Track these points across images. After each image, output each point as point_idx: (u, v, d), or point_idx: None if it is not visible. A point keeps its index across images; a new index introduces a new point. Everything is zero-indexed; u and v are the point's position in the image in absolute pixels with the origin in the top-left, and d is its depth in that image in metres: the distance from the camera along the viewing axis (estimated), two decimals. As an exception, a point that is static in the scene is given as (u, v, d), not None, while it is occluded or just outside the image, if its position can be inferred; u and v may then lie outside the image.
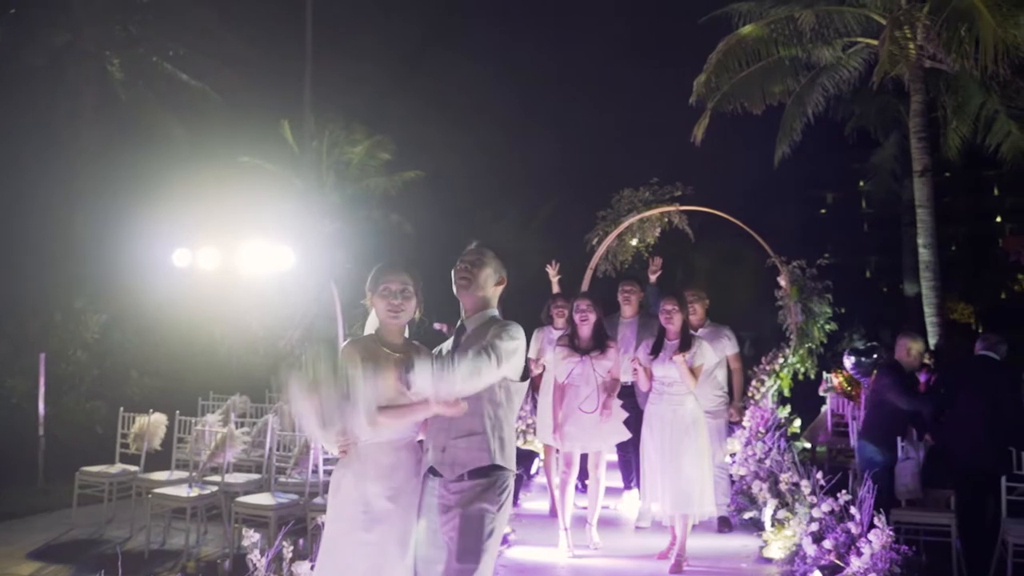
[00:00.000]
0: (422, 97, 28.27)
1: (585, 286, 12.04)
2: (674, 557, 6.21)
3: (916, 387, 7.79)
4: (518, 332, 3.53)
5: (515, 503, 7.88)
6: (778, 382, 11.50)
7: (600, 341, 6.67)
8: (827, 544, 5.42)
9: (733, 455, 8.80)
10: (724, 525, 7.45)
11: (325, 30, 21.37)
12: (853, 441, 8.60)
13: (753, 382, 11.76)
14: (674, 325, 6.35)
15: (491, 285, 3.74)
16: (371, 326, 3.78)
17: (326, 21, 21.70)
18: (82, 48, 16.18)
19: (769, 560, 6.22)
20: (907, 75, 12.88)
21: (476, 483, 3.45)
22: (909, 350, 7.52)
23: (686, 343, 6.28)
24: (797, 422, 11.72)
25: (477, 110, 29.11)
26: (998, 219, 46.35)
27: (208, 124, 17.97)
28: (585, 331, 6.69)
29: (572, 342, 6.74)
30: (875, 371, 8.11)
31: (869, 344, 11.51)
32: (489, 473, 3.46)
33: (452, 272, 3.78)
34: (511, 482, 3.54)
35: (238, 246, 12.57)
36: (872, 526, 5.09)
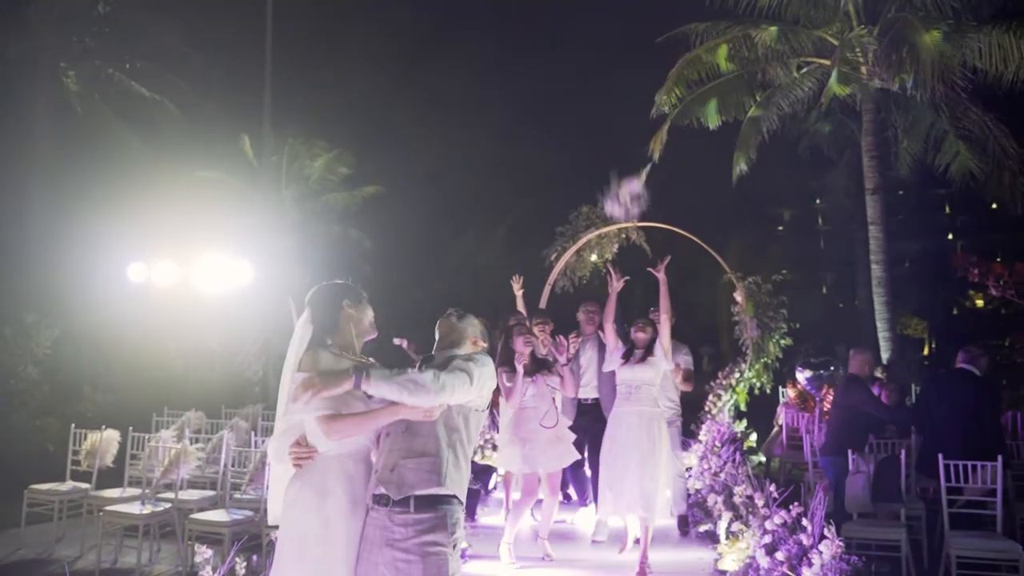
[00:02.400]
0: (382, 112, 28.24)
1: (543, 301, 12.09)
2: (638, 566, 6.31)
3: None
4: (488, 363, 3.60)
5: (472, 518, 7.88)
6: (734, 396, 11.64)
7: (542, 361, 7.02)
8: (779, 556, 5.47)
9: (689, 468, 8.90)
10: (684, 524, 7.68)
11: (285, 45, 21.28)
12: (807, 455, 8.69)
13: (710, 397, 11.90)
14: (645, 335, 6.87)
15: (469, 334, 3.85)
16: (301, 341, 3.65)
17: (286, 36, 21.62)
18: (37, 59, 15.93)
19: (724, 572, 6.25)
20: (859, 95, 13.17)
21: (424, 518, 3.31)
22: (866, 363, 7.77)
23: (649, 352, 6.80)
24: (753, 436, 11.87)
25: (437, 126, 29.12)
26: (950, 237, 47.38)
27: (166, 138, 17.77)
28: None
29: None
30: (839, 385, 8.23)
31: (823, 358, 11.66)
32: (437, 506, 3.34)
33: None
34: (460, 515, 3.43)
35: (195, 261, 12.48)
36: (823, 537, 5.16)
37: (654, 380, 6.78)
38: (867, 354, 8.07)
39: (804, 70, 13.81)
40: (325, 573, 3.39)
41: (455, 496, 3.40)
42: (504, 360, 6.89)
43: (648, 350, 6.81)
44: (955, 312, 39.75)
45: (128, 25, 16.78)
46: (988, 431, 7.14)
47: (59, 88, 16.35)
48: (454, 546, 3.35)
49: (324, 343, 3.62)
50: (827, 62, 13.09)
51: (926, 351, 36.20)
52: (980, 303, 37.34)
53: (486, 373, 3.54)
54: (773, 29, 13.00)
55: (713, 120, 13.96)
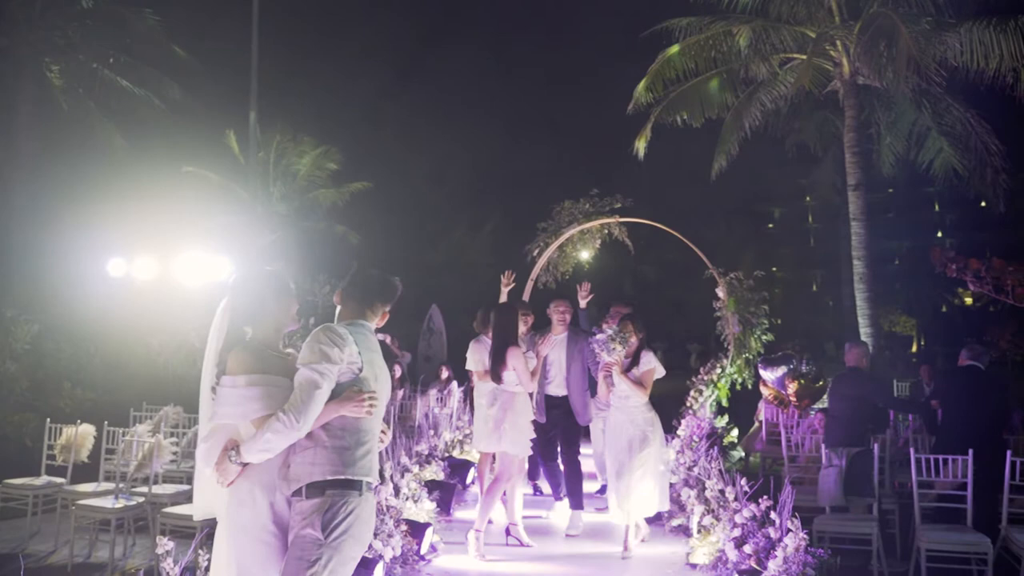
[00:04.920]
0: (371, 110, 28.24)
1: (526, 297, 12.08)
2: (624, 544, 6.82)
3: None
4: (329, 329, 3.38)
5: (447, 512, 7.87)
6: (716, 392, 11.65)
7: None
8: (747, 549, 5.50)
9: (666, 463, 8.90)
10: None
11: (273, 41, 21.26)
12: (785, 450, 8.69)
13: (691, 392, 11.91)
14: (632, 348, 6.96)
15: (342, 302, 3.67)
16: (219, 330, 3.56)
17: (274, 32, 21.62)
18: (20, 53, 15.84)
19: (695, 566, 6.28)
20: (841, 91, 13.19)
21: (308, 505, 3.24)
22: (863, 355, 7.97)
23: (636, 360, 6.93)
24: (735, 432, 11.88)
25: (427, 123, 29.15)
26: (939, 234, 47.49)
27: (151, 133, 17.72)
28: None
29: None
30: (840, 378, 8.26)
31: (782, 352, 11.65)
32: (323, 491, 3.23)
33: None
34: (351, 500, 3.26)
35: (177, 256, 12.44)
36: (790, 530, 5.18)
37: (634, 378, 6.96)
38: (863, 347, 8.27)
39: (786, 66, 13.81)
40: (277, 563, 3.37)
41: (347, 480, 3.27)
42: (511, 339, 6.87)
43: (635, 360, 6.93)
44: (944, 309, 39.84)
45: (111, 19, 16.69)
46: (996, 421, 7.33)
47: (43, 82, 16.27)
48: (330, 533, 3.19)
49: (243, 335, 3.54)
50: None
51: (914, 348, 36.28)
52: (969, 300, 37.39)
53: (337, 344, 3.32)
54: (755, 24, 13.00)
55: (697, 119, 13.97)
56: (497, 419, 6.87)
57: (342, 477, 3.26)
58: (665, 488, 7.27)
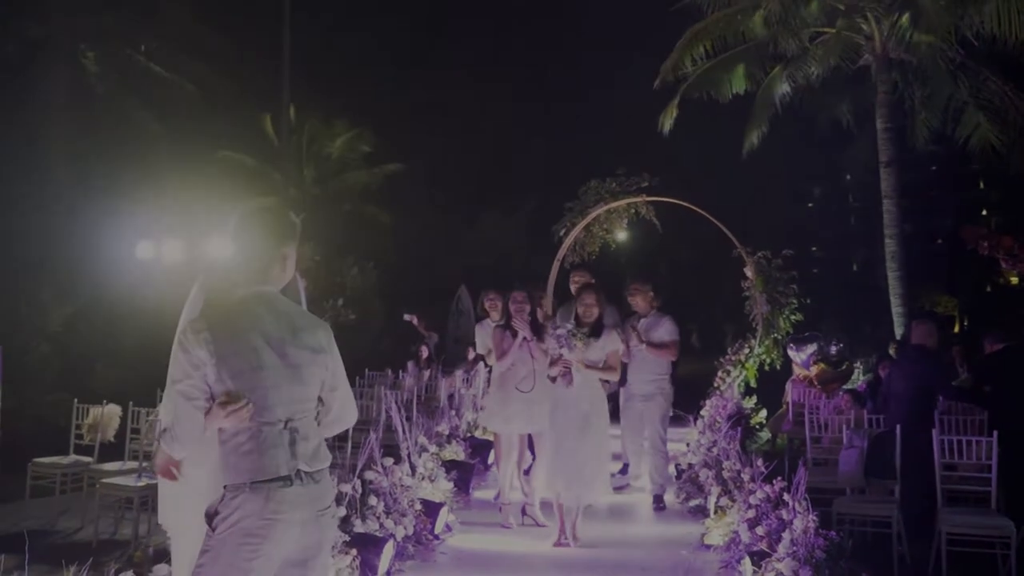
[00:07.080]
0: (405, 90, 28.21)
1: (552, 278, 12.05)
2: (568, 535, 6.45)
3: None
4: (183, 331, 3.08)
5: (467, 492, 7.90)
6: (744, 373, 11.53)
7: (538, 327, 7.04)
8: (760, 531, 5.44)
9: (688, 444, 8.86)
10: (658, 501, 7.69)
11: (304, 24, 21.33)
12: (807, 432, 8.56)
13: (719, 373, 11.80)
14: (591, 314, 6.50)
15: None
16: (195, 308, 3.45)
17: (305, 15, 21.68)
18: (56, 40, 16.06)
19: (709, 546, 6.24)
20: (874, 65, 12.92)
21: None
22: (931, 333, 7.58)
23: (596, 332, 6.42)
24: (763, 412, 11.76)
25: (461, 103, 29.06)
26: (984, 212, 46.27)
27: (185, 118, 17.88)
28: (519, 321, 6.96)
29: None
30: (906, 356, 8.07)
31: (809, 332, 11.46)
32: (224, 492, 3.06)
33: None
34: (240, 497, 2.97)
35: (207, 239, 12.57)
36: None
37: (598, 364, 6.42)
38: (930, 323, 7.81)
39: (816, 40, 13.54)
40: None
41: (236, 484, 3.02)
42: (504, 323, 7.09)
43: (595, 331, 6.42)
44: (988, 289, 38.91)
45: (144, 5, 16.87)
46: None
47: (79, 69, 16.49)
48: (216, 527, 3.00)
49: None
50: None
51: (956, 328, 35.56)
52: (1015, 280, 36.49)
53: (187, 350, 2.98)
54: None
55: (724, 94, 13.78)
56: (498, 400, 7.09)
57: (233, 482, 3.04)
58: (653, 467, 7.26)
